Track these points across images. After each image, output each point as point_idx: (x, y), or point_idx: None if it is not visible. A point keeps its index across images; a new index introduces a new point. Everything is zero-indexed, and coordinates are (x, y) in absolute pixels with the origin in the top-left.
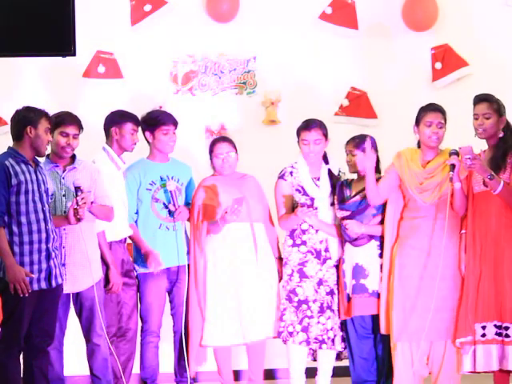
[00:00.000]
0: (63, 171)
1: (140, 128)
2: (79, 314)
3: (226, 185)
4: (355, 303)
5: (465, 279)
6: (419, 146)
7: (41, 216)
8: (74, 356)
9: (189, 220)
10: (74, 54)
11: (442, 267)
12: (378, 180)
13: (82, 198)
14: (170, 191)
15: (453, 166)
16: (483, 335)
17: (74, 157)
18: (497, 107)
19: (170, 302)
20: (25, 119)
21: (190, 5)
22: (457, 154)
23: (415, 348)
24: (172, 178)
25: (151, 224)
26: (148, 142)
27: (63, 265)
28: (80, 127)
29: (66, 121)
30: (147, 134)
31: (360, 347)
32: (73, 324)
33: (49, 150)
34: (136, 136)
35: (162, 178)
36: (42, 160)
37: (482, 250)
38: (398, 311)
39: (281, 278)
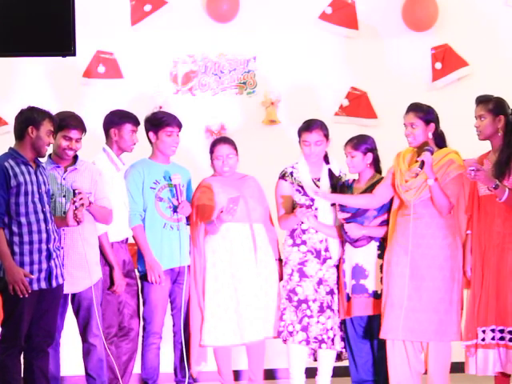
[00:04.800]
0: (64, 172)
1: (144, 128)
2: (76, 314)
3: (226, 185)
4: (355, 303)
5: (471, 282)
6: None
7: (41, 216)
8: (71, 356)
9: (189, 218)
10: (74, 54)
11: (432, 268)
12: (379, 181)
13: (80, 199)
14: (175, 185)
15: (422, 163)
16: (484, 339)
17: (76, 157)
18: (492, 107)
19: (171, 302)
20: (28, 119)
21: (190, 5)
22: (430, 151)
23: (409, 345)
24: None
25: (156, 224)
26: (150, 142)
27: (62, 265)
28: (83, 130)
29: (69, 125)
30: (151, 133)
31: (359, 347)
32: (70, 324)
33: (50, 151)
34: (135, 136)
35: (165, 176)
36: (43, 160)
37: (486, 251)
38: (385, 308)
39: (281, 279)
